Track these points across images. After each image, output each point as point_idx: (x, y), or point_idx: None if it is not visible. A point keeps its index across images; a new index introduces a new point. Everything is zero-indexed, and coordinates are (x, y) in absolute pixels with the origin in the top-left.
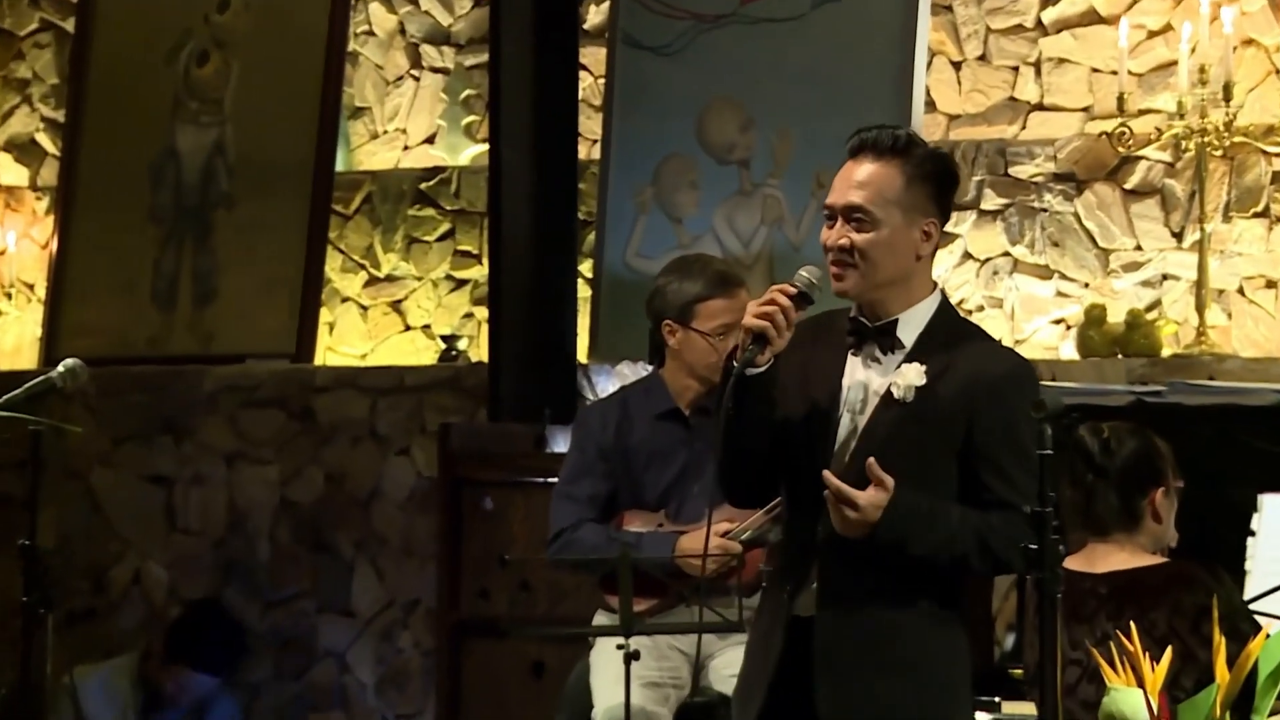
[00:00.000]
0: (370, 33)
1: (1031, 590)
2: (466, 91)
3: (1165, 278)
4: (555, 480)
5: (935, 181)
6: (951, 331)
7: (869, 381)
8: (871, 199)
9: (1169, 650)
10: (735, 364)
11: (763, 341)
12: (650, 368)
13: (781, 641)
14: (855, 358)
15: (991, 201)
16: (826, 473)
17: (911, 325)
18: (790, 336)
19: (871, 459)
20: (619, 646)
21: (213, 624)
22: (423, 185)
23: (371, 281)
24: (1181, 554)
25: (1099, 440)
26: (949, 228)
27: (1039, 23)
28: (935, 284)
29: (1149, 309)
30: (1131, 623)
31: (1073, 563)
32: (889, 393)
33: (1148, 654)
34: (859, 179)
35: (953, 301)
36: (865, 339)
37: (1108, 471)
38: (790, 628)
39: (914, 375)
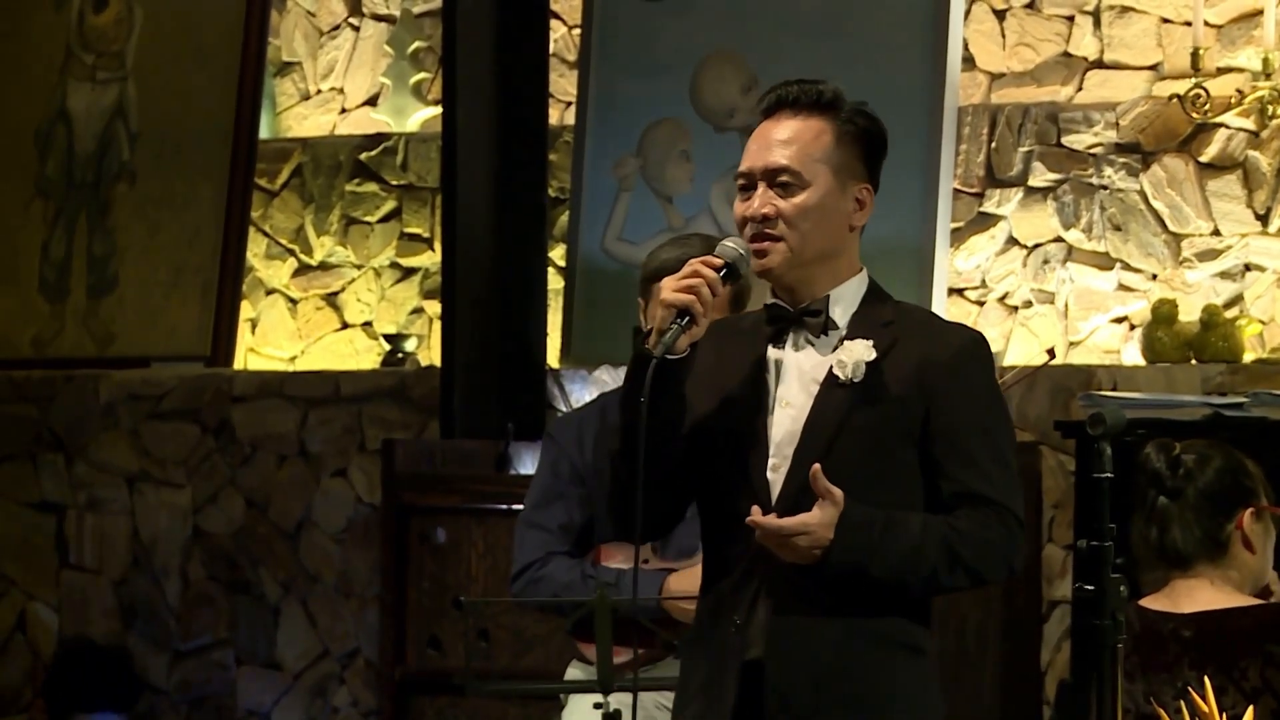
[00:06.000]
0: None
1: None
2: (415, 44)
3: (1248, 268)
4: (520, 507)
5: (866, 141)
6: (888, 307)
7: (803, 367)
8: (798, 158)
9: (1251, 709)
10: (649, 349)
11: (686, 319)
12: None
13: (734, 693)
14: (778, 349)
15: (1041, 177)
16: (755, 515)
17: (843, 304)
18: (708, 324)
19: (816, 466)
20: (596, 705)
21: (97, 659)
22: (363, 155)
23: (302, 270)
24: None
25: (1168, 458)
26: (991, 208)
27: None
28: (861, 265)
29: (1228, 305)
30: (1217, 673)
31: (1153, 602)
32: (832, 373)
33: (1226, 715)
34: (782, 137)
35: (995, 296)
36: (789, 325)
37: (1183, 493)
38: (741, 674)
39: (862, 350)
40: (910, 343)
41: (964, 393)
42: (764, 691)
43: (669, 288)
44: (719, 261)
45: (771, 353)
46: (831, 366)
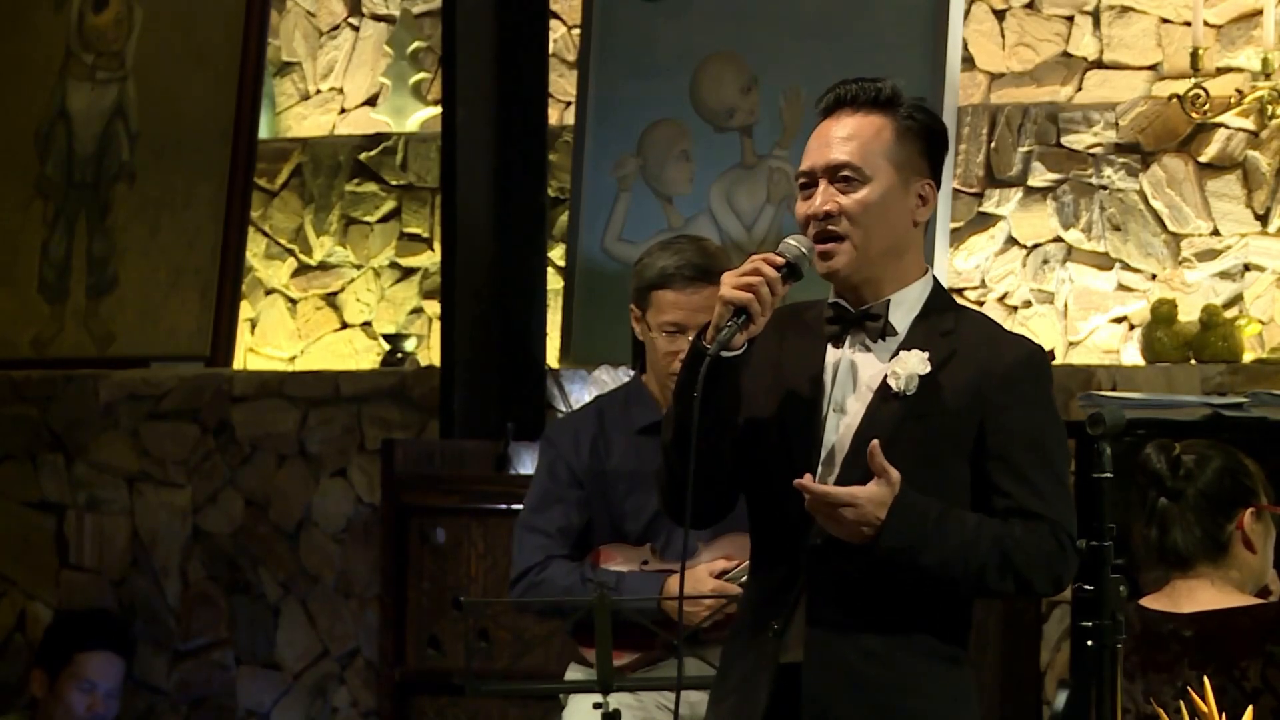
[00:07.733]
0: None
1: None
2: (415, 44)
3: (1247, 268)
4: (520, 507)
5: (926, 137)
6: (950, 315)
7: (859, 373)
8: (860, 153)
9: (1251, 709)
10: (705, 345)
11: (743, 317)
12: (634, 373)
13: (767, 694)
14: (837, 349)
15: (1041, 177)
16: (804, 480)
17: (904, 308)
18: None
19: (875, 442)
20: (596, 706)
21: (87, 613)
22: (362, 155)
23: (301, 270)
24: None
25: (1168, 458)
26: (991, 208)
27: None
28: (927, 265)
29: (1228, 305)
30: (1217, 673)
31: (1153, 602)
32: (885, 384)
33: (1225, 714)
34: (841, 134)
35: (995, 296)
36: (849, 326)
37: (1183, 494)
38: (777, 676)
39: (916, 363)
40: (968, 354)
41: (1019, 408)
42: (799, 698)
43: (728, 283)
44: (781, 260)
45: (831, 353)
46: (886, 376)
